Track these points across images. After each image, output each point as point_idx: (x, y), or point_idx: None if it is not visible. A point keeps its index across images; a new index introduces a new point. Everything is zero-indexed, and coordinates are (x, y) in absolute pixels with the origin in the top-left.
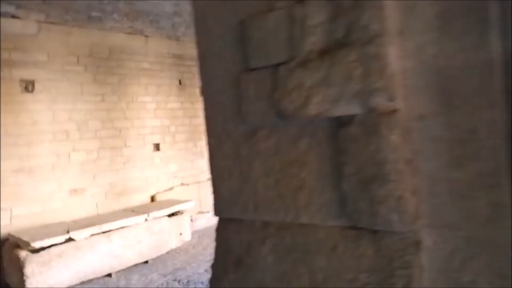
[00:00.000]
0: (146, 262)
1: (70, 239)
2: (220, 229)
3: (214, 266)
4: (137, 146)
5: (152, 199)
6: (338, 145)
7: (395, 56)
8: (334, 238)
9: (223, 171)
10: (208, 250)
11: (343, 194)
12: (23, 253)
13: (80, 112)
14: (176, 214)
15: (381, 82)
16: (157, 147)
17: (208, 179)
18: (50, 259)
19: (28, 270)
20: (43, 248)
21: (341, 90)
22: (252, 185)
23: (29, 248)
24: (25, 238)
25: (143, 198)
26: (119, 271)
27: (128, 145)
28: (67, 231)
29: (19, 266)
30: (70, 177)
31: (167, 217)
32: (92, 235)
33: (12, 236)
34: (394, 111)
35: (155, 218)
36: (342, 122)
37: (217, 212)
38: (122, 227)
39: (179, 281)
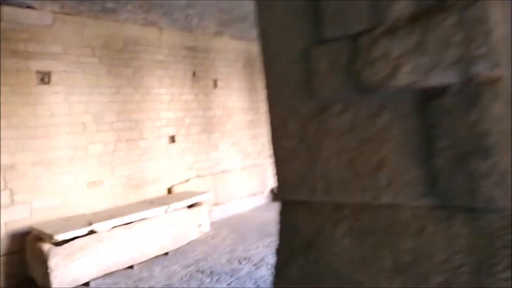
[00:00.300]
0: (167, 253)
1: (92, 232)
2: (285, 212)
3: (279, 251)
4: (153, 138)
5: (169, 191)
6: (427, 118)
7: (499, 20)
8: (422, 218)
9: (287, 152)
10: (227, 241)
11: (434, 170)
12: (46, 246)
13: (95, 104)
14: (195, 206)
15: (485, 48)
16: (172, 139)
17: (222, 171)
18: (73, 252)
19: (52, 263)
20: (66, 241)
21: (437, 58)
22: (322, 166)
23: (52, 241)
24: (48, 231)
25: (160, 190)
26: (140, 263)
27: (144, 137)
28: (89, 223)
29: (43, 259)
30: (88, 170)
31: (186, 209)
32: (114, 227)
33: (35, 229)
34: (497, 79)
35: (175, 209)
36: (432, 93)
37: (281, 194)
38: (143, 219)
39: (202, 272)
